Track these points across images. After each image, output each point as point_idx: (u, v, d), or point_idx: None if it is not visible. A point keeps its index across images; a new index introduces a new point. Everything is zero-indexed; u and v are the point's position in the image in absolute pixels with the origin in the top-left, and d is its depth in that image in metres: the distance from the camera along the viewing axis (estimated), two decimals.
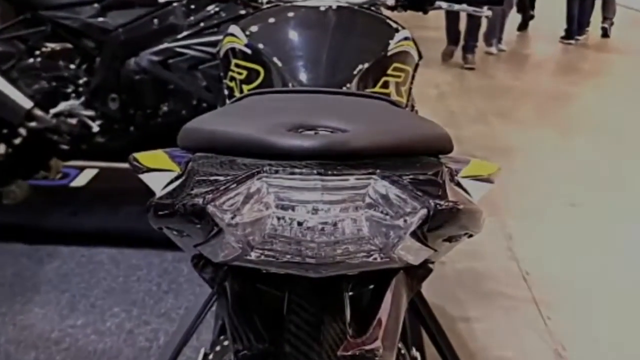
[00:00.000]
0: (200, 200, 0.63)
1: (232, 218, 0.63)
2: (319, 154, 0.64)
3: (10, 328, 1.72)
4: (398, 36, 1.12)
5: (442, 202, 0.65)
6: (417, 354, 0.94)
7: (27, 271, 1.99)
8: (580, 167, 3.00)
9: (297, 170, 0.64)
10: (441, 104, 4.02)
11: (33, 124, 2.09)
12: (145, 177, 0.80)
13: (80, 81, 2.17)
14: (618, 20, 6.64)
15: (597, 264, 2.14)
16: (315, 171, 0.63)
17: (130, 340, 1.68)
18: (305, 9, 1.14)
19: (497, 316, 1.84)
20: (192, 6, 2.12)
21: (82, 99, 2.16)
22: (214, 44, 1.57)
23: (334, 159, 0.65)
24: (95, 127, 2.15)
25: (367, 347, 0.72)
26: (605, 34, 6.62)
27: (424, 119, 0.85)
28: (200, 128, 0.78)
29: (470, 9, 1.34)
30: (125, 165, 0.86)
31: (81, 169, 2.67)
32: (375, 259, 0.67)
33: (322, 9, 1.13)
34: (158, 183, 0.76)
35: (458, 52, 5.25)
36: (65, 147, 2.18)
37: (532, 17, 6.87)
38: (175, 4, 2.10)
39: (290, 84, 1.01)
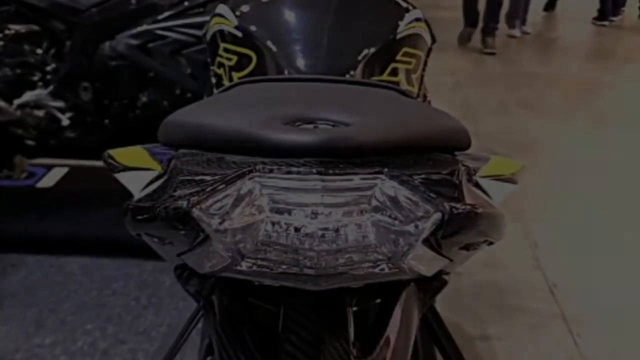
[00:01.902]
0: (184, 203, 0.63)
1: (221, 223, 0.64)
2: (319, 150, 0.64)
3: None
4: (408, 17, 1.12)
5: (458, 205, 0.65)
6: None
7: None
8: (616, 165, 3.00)
9: (294, 169, 0.64)
10: (457, 94, 4.02)
11: None
12: (121, 177, 0.80)
13: (48, 68, 2.17)
14: None
15: (635, 276, 2.14)
16: (314, 170, 0.63)
17: None
18: None
19: (520, 334, 1.84)
20: None
21: (50, 88, 2.16)
22: (199, 26, 1.57)
23: (336, 156, 0.65)
24: (65, 120, 2.15)
25: None
26: None
27: (438, 110, 0.85)
28: (184, 121, 0.78)
29: None
30: (99, 163, 0.86)
31: (49, 167, 2.67)
32: (383, 269, 0.67)
33: None
34: (136, 183, 0.76)
35: (477, 35, 5.25)
36: (31, 142, 2.18)
37: None
38: None
39: (286, 71, 1.01)
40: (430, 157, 0.72)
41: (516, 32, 5.65)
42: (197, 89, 2.03)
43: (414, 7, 1.16)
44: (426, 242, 0.65)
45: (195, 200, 0.63)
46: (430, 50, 1.18)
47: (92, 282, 2.00)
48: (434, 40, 1.18)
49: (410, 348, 0.79)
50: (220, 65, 1.10)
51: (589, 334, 1.84)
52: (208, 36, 1.16)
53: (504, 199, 0.81)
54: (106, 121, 2.15)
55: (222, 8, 1.13)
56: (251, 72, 1.04)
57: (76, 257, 2.11)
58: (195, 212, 0.63)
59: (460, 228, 0.66)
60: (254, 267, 0.67)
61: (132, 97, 2.12)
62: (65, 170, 2.67)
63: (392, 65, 1.06)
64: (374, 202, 0.65)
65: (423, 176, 0.67)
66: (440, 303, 0.97)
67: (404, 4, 1.16)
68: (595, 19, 6.28)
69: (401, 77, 1.07)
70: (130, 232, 0.73)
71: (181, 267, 0.80)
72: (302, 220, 0.63)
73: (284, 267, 0.65)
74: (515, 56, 5.19)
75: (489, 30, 5.14)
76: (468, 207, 0.66)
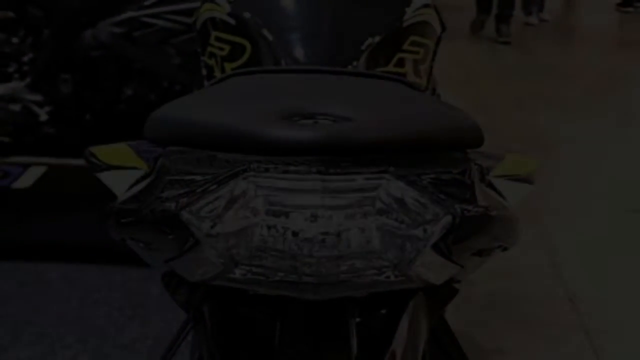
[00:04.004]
0: (172, 205, 0.64)
1: (212, 227, 0.64)
2: (319, 147, 0.64)
3: None
4: (416, 3, 1.12)
5: (470, 207, 0.65)
6: None
7: None
8: None
9: (291, 168, 0.64)
10: (469, 87, 4.02)
11: None
12: (104, 177, 0.80)
13: (25, 58, 2.17)
14: None
15: None
16: (314, 169, 0.63)
17: None
18: None
19: (538, 347, 1.84)
20: None
21: (27, 80, 2.16)
22: (189, 13, 1.57)
23: (338, 154, 0.65)
24: (43, 114, 2.15)
25: None
26: None
27: (448, 105, 0.85)
28: (172, 116, 0.78)
29: None
30: (81, 161, 0.86)
31: (26, 166, 2.67)
32: (388, 277, 0.67)
33: None
34: (120, 184, 0.76)
35: (490, 23, 5.25)
36: (5, 139, 2.18)
37: None
38: None
39: (283, 62, 1.01)
40: (440, 155, 0.72)
41: (533, 19, 5.65)
42: (187, 81, 2.03)
43: None
44: (435, 247, 0.65)
45: (184, 202, 0.63)
46: (439, 39, 1.18)
47: (72, 291, 2.00)
48: (444, 28, 1.18)
49: None
50: (212, 55, 1.10)
51: (612, 347, 1.84)
52: (198, 24, 1.16)
53: (519, 201, 0.81)
54: (88, 116, 2.16)
55: None
56: (245, 62, 1.04)
57: (55, 264, 2.11)
58: (185, 215, 0.63)
59: (472, 232, 0.66)
60: (249, 275, 0.67)
61: (116, 90, 2.13)
62: (43, 169, 2.66)
63: (399, 55, 1.06)
64: (379, 204, 0.65)
65: (432, 176, 0.67)
66: (451, 314, 0.97)
67: None
68: (620, 4, 6.29)
69: (408, 68, 1.07)
70: (114, 236, 0.73)
71: (169, 275, 0.80)
72: (301, 223, 0.63)
73: (280, 274, 0.65)
74: (532, 46, 5.19)
75: (504, 18, 5.14)
76: (481, 209, 0.66)
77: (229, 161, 0.67)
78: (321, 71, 0.93)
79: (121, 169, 0.78)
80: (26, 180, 2.57)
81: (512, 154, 0.86)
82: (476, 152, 0.79)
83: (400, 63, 1.06)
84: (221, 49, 1.08)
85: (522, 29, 5.47)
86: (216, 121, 0.72)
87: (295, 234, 0.63)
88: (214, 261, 0.66)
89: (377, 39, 1.04)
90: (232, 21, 1.08)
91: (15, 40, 2.18)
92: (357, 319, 0.77)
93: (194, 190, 0.64)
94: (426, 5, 1.13)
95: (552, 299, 2.05)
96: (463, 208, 0.64)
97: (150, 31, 2.04)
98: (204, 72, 1.14)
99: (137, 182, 0.74)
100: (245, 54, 1.04)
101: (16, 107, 2.15)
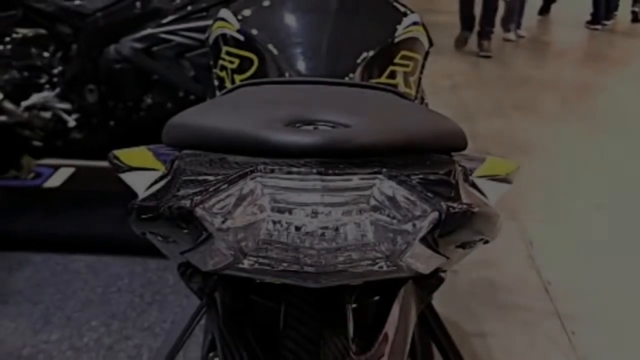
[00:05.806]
0: (187, 203, 0.63)
1: (223, 222, 0.64)
2: (319, 151, 0.64)
3: None
4: (406, 21, 1.12)
5: (455, 205, 0.65)
6: None
7: None
8: (607, 166, 3.00)
9: (294, 169, 0.64)
10: (454, 96, 4.02)
11: (2, 117, 2.09)
12: (126, 177, 0.80)
13: (55, 71, 2.17)
14: None
15: (627, 273, 2.14)
16: (314, 170, 0.63)
17: (110, 357, 1.68)
18: None
19: (515, 331, 1.84)
20: None
21: (57, 90, 2.16)
22: (202, 30, 1.58)
23: (336, 157, 0.65)
24: (71, 121, 2.15)
25: None
26: (635, 18, 6.64)
27: (435, 112, 0.85)
28: (187, 123, 0.78)
29: None
30: (105, 163, 0.86)
31: (56, 167, 2.67)
32: (381, 267, 0.67)
33: None
34: (141, 183, 0.76)
35: (473, 39, 5.25)
36: (38, 143, 2.18)
37: None
38: None
39: (287, 74, 1.01)
40: (428, 158, 0.72)
41: (511, 35, 5.65)
42: (200, 91, 2.03)
43: (412, 11, 1.16)
44: (423, 240, 0.65)
45: (198, 199, 0.63)
46: (427, 53, 1.18)
47: (97, 280, 2.00)
48: (431, 43, 1.18)
49: (408, 344, 0.79)
50: (223, 68, 1.10)
51: (583, 330, 1.84)
52: (211, 40, 1.16)
53: (499, 199, 0.81)
54: (111, 122, 2.16)
55: (224, 12, 1.14)
56: (253, 74, 1.04)
57: (82, 256, 2.11)
58: (198, 211, 0.63)
59: (456, 227, 0.66)
60: (256, 265, 0.67)
61: (137, 99, 2.13)
62: (71, 170, 2.67)
63: (391, 68, 1.06)
64: (373, 202, 0.65)
65: (421, 176, 0.67)
66: (438, 300, 0.97)
67: (402, 8, 1.16)
68: (589, 22, 6.29)
69: (399, 80, 1.07)
70: (135, 231, 0.73)
71: (184, 265, 0.80)
72: (303, 219, 0.63)
73: (284, 265, 0.65)
74: (511, 59, 5.19)
75: (485, 34, 5.14)
76: (464, 206, 0.66)
77: (238, 163, 0.67)
78: (321, 82, 0.93)
79: (141, 170, 0.78)
80: (56, 180, 2.57)
81: (493, 157, 0.86)
82: (460, 154, 0.79)
83: (392, 75, 1.06)
84: (231, 62, 1.08)
85: (502, 45, 5.47)
86: (227, 127, 0.72)
87: (297, 228, 0.63)
88: (224, 253, 0.65)
89: (371, 53, 1.04)
90: (241, 37, 1.08)
91: (46, 54, 2.19)
92: (353, 305, 0.77)
93: (207, 189, 0.64)
94: (415, 23, 1.13)
95: (529, 287, 2.05)
96: (448, 205, 0.64)
97: (167, 46, 2.04)
98: (216, 83, 1.14)
99: (156, 181, 0.74)
100: (253, 67, 1.04)
101: (47, 115, 2.15)
